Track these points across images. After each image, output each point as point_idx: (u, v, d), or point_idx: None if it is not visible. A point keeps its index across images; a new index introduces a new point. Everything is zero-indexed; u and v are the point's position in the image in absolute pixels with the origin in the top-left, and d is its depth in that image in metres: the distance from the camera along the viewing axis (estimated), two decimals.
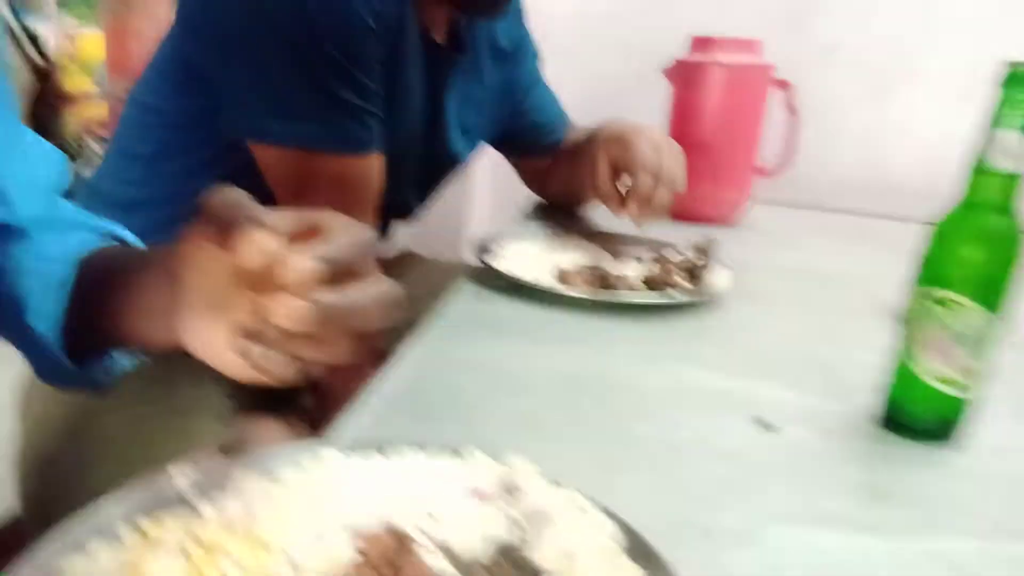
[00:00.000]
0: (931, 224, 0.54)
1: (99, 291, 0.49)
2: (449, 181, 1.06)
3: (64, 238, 0.54)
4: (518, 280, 0.79)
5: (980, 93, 0.52)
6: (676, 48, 1.18)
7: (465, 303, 0.77)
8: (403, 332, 0.68)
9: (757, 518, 0.45)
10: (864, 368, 0.62)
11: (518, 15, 1.07)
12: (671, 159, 0.93)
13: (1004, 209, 0.50)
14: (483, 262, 0.84)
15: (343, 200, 0.84)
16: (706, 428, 0.55)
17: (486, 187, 1.53)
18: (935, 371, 0.53)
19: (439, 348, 0.66)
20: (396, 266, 1.14)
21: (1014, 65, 0.48)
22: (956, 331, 0.52)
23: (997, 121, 0.49)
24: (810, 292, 0.90)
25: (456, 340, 0.68)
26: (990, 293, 0.51)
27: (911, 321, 0.54)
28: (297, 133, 0.78)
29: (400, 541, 0.34)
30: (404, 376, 0.60)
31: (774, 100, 1.15)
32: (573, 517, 0.37)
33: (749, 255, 1.00)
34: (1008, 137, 0.49)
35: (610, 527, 0.37)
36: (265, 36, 0.75)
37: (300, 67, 0.76)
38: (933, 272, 0.53)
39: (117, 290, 0.48)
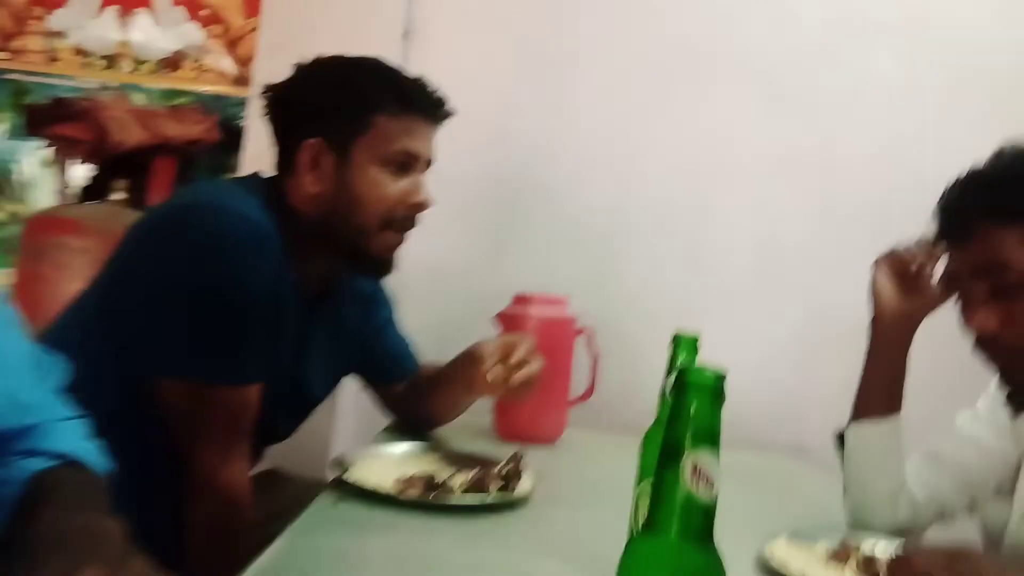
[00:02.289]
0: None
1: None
2: (314, 410, 1.28)
3: (18, 462, 0.69)
4: (362, 488, 0.99)
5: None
6: (505, 300, 1.50)
7: (320, 512, 0.96)
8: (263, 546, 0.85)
9: None
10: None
11: None
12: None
13: None
14: (337, 474, 1.05)
15: (228, 425, 1.04)
16: None
17: (349, 409, 1.73)
18: None
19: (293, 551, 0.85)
20: (261, 483, 1.32)
21: (676, 334, 0.78)
22: None
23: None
24: (604, 498, 1.15)
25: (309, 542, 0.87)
26: None
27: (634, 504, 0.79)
28: (194, 369, 1.00)
29: None
30: None
31: (581, 343, 1.47)
32: None
33: (558, 467, 1.25)
34: None
35: None
36: (175, 292, 0.98)
37: (200, 317, 0.99)
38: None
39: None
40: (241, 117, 1.86)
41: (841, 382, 1.21)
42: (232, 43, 1.90)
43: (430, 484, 1.02)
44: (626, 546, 0.52)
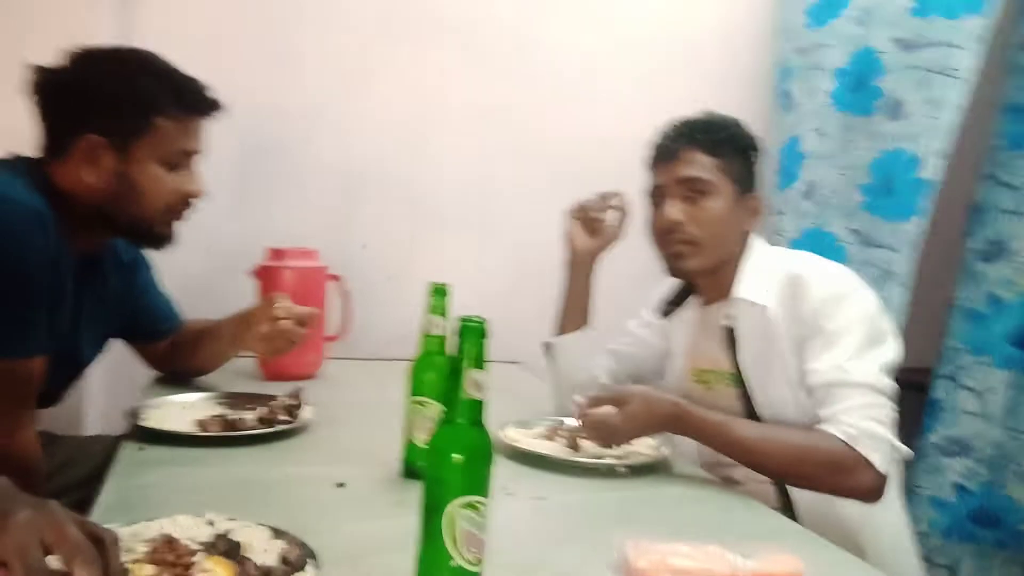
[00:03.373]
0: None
1: None
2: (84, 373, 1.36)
3: None
4: (166, 432, 1.14)
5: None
6: (254, 254, 1.65)
7: (129, 458, 1.09)
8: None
9: None
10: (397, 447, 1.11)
11: None
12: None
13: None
14: (136, 424, 1.17)
15: (17, 395, 1.11)
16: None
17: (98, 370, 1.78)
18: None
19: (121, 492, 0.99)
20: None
21: (432, 284, 1.03)
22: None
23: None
24: (371, 415, 1.39)
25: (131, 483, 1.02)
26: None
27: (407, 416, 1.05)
28: None
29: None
30: None
31: (332, 288, 1.68)
32: None
33: (328, 396, 1.46)
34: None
35: None
36: None
37: None
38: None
39: None
40: None
41: (545, 304, 1.56)
42: None
43: (226, 423, 1.19)
44: (427, 441, 0.77)
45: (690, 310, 1.41)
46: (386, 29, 2.05)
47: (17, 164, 1.16)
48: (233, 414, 1.23)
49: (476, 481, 0.71)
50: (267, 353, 1.44)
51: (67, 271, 1.16)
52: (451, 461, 0.70)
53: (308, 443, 1.21)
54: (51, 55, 1.17)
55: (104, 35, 1.55)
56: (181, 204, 1.23)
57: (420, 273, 1.27)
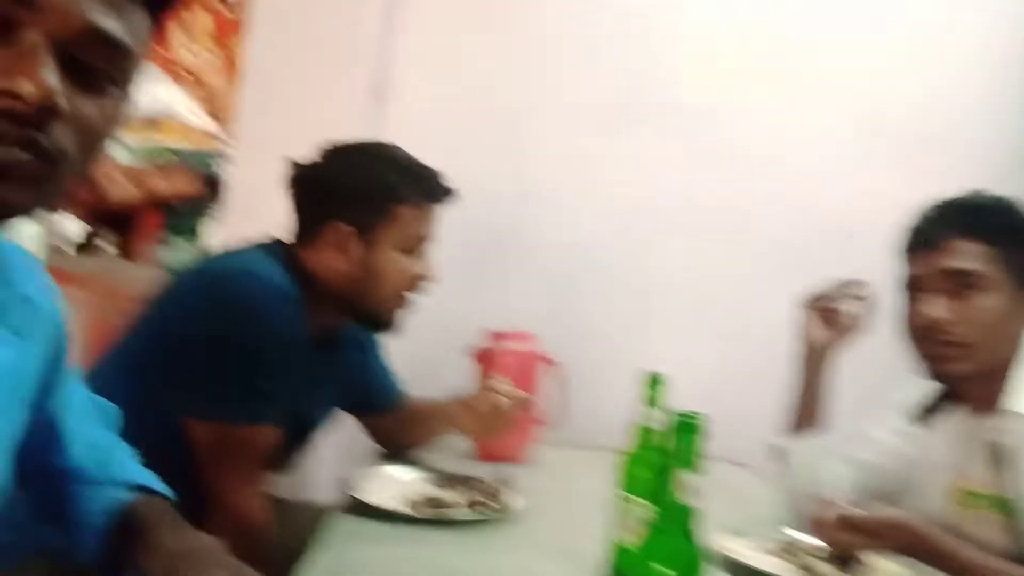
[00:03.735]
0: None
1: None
2: (313, 443, 1.43)
3: (102, 492, 0.83)
4: (379, 508, 1.15)
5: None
6: (476, 335, 1.67)
7: (339, 529, 1.12)
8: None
9: None
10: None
11: None
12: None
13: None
14: (349, 495, 1.20)
15: (249, 460, 1.19)
16: None
17: (330, 440, 1.88)
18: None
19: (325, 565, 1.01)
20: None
21: (649, 374, 0.97)
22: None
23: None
24: (582, 507, 1.33)
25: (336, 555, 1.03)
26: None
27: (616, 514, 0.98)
28: (220, 412, 1.14)
29: None
30: None
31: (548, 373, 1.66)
32: None
33: (537, 483, 1.42)
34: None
35: None
36: (209, 346, 1.13)
37: (229, 366, 1.13)
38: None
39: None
40: (220, 170, 1.99)
41: (771, 400, 1.44)
42: (212, 102, 2.03)
43: (437, 505, 1.18)
44: (636, 545, 0.70)
45: (951, 419, 1.22)
46: (618, 114, 2.06)
47: (272, 246, 1.28)
48: (444, 496, 1.23)
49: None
50: (482, 435, 1.45)
51: (304, 347, 1.25)
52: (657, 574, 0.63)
53: (516, 533, 1.17)
54: (309, 150, 1.29)
55: (358, 129, 1.70)
56: (413, 288, 1.31)
57: (637, 361, 1.21)
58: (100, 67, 0.55)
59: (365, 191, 1.26)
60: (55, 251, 1.85)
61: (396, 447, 1.58)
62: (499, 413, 1.42)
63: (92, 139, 0.55)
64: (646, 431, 0.98)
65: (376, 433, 1.61)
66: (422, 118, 1.98)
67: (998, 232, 1.14)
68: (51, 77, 0.50)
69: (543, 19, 2.06)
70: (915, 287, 1.20)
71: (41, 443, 0.77)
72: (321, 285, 1.26)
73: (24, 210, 0.54)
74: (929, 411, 1.25)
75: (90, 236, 1.86)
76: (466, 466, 1.49)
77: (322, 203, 1.27)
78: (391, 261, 1.27)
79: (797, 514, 1.29)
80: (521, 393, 1.43)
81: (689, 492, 0.64)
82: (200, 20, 2.05)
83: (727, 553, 1.11)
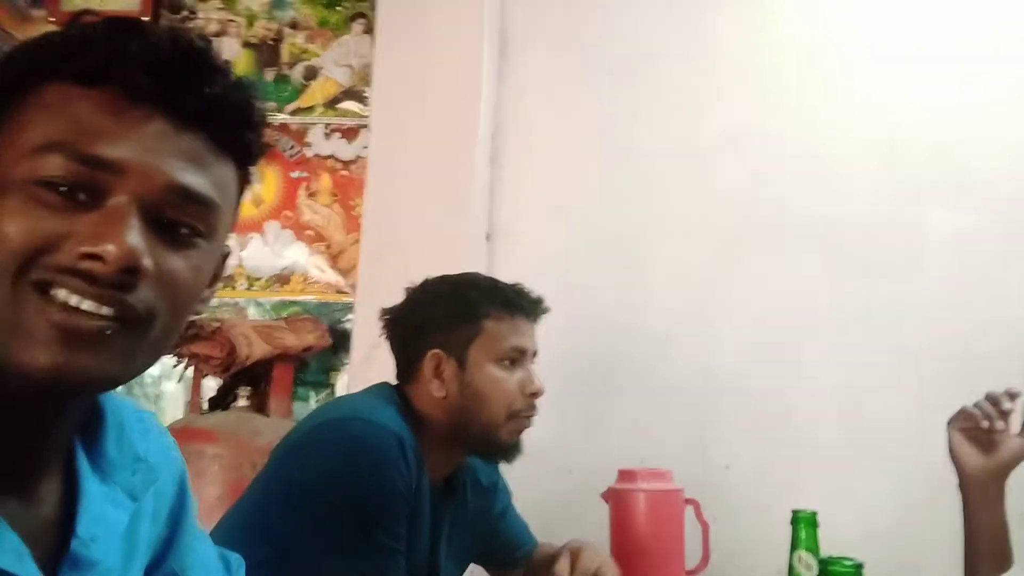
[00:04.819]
0: None
1: None
2: None
3: None
4: None
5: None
6: (608, 474, 1.57)
7: None
8: None
9: None
10: None
11: (496, 464, 1.46)
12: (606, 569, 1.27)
13: None
14: None
15: None
16: None
17: None
18: None
19: None
20: None
21: (795, 512, 0.86)
22: None
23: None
24: None
25: None
26: None
27: None
28: (347, 572, 1.09)
29: None
30: None
31: (689, 513, 1.52)
32: None
33: None
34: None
35: None
36: (328, 500, 1.10)
37: (351, 523, 1.09)
38: None
39: None
40: (346, 321, 2.04)
41: (949, 535, 1.25)
42: (335, 257, 2.12)
43: None
44: None
45: None
46: (741, 235, 1.99)
47: (385, 392, 1.27)
48: None
49: None
50: None
51: (426, 495, 1.20)
52: None
53: None
54: None
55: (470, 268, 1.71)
56: (523, 403, 1.26)
57: (785, 498, 1.09)
58: (187, 222, 0.56)
59: (450, 313, 1.26)
60: (193, 408, 1.92)
61: None
62: None
63: (181, 293, 0.56)
64: None
65: None
66: (534, 257, 1.99)
67: None
68: (136, 238, 0.51)
69: (644, 140, 2.05)
70: None
71: None
72: (430, 421, 1.23)
73: (113, 376, 0.55)
74: None
75: (225, 392, 1.93)
76: None
77: (414, 336, 1.27)
78: (489, 377, 1.24)
79: None
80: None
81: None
82: (322, 181, 2.17)
83: None
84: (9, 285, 0.50)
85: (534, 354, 1.31)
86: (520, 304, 1.29)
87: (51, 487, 0.59)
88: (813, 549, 0.86)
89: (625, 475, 1.55)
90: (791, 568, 0.87)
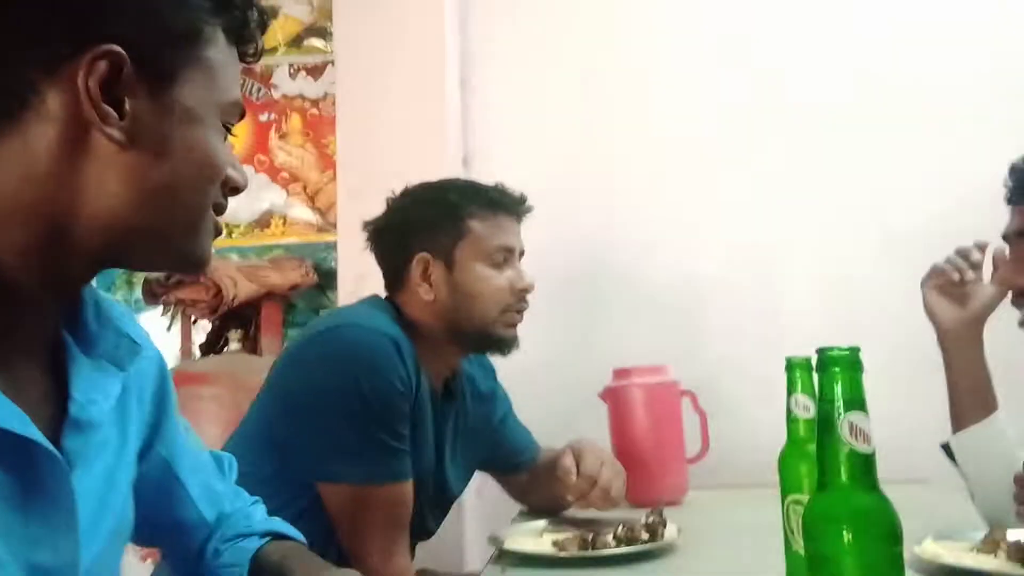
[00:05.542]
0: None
1: None
2: (452, 505, 1.37)
3: (235, 545, 0.81)
4: (525, 554, 1.07)
5: None
6: (603, 382, 1.59)
7: None
8: None
9: None
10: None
11: (492, 371, 1.47)
12: (609, 470, 1.30)
13: None
14: (498, 549, 1.13)
15: (389, 520, 1.14)
16: None
17: (475, 507, 1.81)
18: None
19: None
20: None
21: (789, 359, 0.87)
22: None
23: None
24: (742, 540, 1.20)
25: None
26: None
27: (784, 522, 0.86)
28: (354, 472, 1.10)
29: None
30: None
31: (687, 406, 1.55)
32: None
33: (693, 520, 1.30)
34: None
35: None
36: (329, 404, 1.10)
37: (354, 424, 1.10)
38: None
39: None
40: (330, 260, 2.03)
41: (940, 414, 1.27)
42: (312, 196, 2.10)
43: (584, 541, 1.09)
44: (807, 502, 0.59)
45: None
46: (720, 128, 1.98)
47: (377, 302, 1.27)
48: (591, 533, 1.13)
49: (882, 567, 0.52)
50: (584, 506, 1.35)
51: (426, 399, 1.21)
52: (839, 538, 0.53)
53: (675, 565, 1.06)
54: None
55: None
56: (514, 299, 1.26)
57: (778, 390, 1.10)
58: None
59: (433, 216, 1.25)
60: (184, 354, 1.92)
61: (539, 506, 1.49)
62: (592, 482, 1.30)
63: None
64: (800, 423, 0.88)
65: (518, 493, 1.53)
66: (514, 176, 1.96)
67: None
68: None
69: (616, 55, 2.03)
70: (1018, 240, 1.05)
71: (163, 496, 0.76)
72: (422, 326, 1.24)
73: None
74: None
75: (216, 337, 1.92)
76: (614, 511, 1.38)
77: (399, 243, 1.27)
78: (480, 277, 1.24)
79: (993, 509, 1.12)
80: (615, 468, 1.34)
81: (859, 436, 0.54)
82: (292, 121, 2.15)
83: (931, 557, 0.96)
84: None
85: (521, 253, 1.31)
86: (503, 203, 1.29)
87: (40, 365, 0.60)
88: (809, 392, 0.87)
89: (621, 373, 1.57)
90: (788, 411, 0.88)
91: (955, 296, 1.21)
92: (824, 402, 0.56)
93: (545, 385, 1.69)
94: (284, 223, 2.10)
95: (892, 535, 0.53)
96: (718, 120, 2.00)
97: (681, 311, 1.93)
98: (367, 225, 1.31)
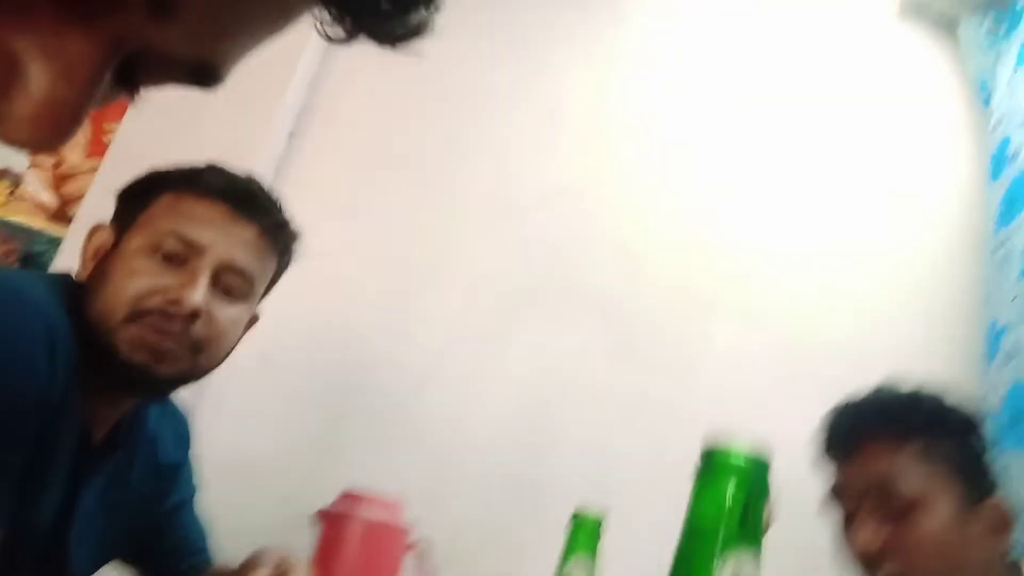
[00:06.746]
0: None
1: None
2: None
3: None
4: None
5: None
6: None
7: None
8: None
9: None
10: None
11: (186, 442, 1.13)
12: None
13: None
14: None
15: None
16: None
17: None
18: None
19: None
20: None
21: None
22: None
23: None
24: None
25: None
26: None
27: None
28: None
29: None
30: None
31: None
32: None
33: None
34: None
35: None
36: None
37: None
38: None
39: None
40: (49, 257, 1.62)
41: None
42: (61, 178, 1.71)
43: None
44: None
45: None
46: (519, 294, 1.86)
47: (61, 280, 0.91)
48: None
49: None
50: None
51: (73, 433, 0.86)
52: None
53: None
54: None
55: None
56: (153, 307, 0.86)
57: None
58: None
59: (138, 182, 0.94)
60: None
61: None
62: None
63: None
64: None
65: None
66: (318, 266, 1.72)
67: (930, 432, 0.93)
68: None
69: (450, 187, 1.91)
70: (844, 498, 0.97)
71: None
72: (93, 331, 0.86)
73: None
74: None
75: None
76: None
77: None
78: (130, 267, 0.87)
79: None
80: None
81: None
82: None
83: None
84: None
85: (227, 266, 0.91)
86: (212, 181, 0.91)
87: None
88: (591, 553, 0.66)
89: (347, 497, 1.28)
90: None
91: None
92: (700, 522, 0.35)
93: (264, 497, 1.35)
94: (11, 194, 1.67)
95: None
96: (525, 278, 1.89)
97: (435, 454, 1.68)
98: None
